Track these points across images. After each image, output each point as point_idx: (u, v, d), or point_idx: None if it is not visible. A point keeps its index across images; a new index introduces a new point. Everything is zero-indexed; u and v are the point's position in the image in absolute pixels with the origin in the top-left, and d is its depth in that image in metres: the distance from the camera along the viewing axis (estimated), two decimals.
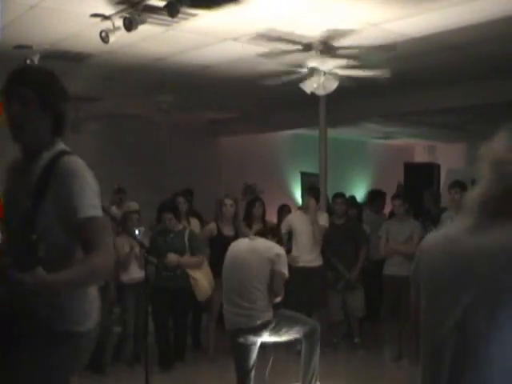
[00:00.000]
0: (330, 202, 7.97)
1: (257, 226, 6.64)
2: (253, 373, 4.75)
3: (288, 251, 6.31)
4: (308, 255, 6.82)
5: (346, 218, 7.45)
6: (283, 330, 4.85)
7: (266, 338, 4.77)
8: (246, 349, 4.70)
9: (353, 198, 10.18)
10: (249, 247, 4.91)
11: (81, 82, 8.20)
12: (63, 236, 2.22)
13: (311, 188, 7.43)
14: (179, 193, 7.42)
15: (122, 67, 7.51)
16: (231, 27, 5.93)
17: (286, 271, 4.83)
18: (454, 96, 8.66)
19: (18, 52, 6.56)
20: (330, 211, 7.84)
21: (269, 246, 4.89)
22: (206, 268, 6.32)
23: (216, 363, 6.43)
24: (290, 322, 4.92)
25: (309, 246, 6.85)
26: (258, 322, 4.66)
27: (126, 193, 8.05)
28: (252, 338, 4.69)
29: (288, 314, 5.08)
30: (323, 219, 7.00)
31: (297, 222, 6.97)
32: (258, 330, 4.67)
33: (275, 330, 4.76)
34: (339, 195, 7.55)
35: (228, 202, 6.82)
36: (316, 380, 5.03)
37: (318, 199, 7.11)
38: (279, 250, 4.92)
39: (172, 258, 6.13)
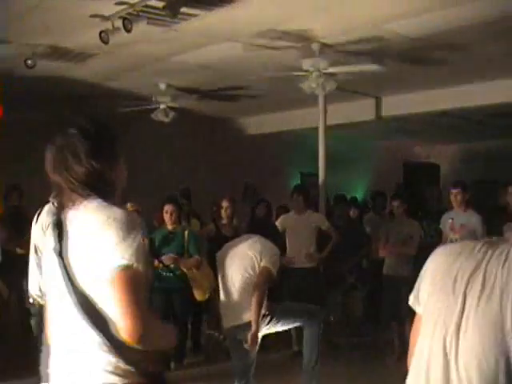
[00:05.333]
0: (331, 203, 7.96)
1: None
2: (252, 370, 4.74)
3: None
4: (302, 256, 6.80)
5: (348, 220, 7.46)
6: (280, 323, 4.85)
7: (265, 331, 4.77)
8: (243, 345, 4.69)
9: (354, 199, 10.21)
10: (234, 246, 4.91)
11: (81, 82, 8.20)
12: None
13: (297, 187, 7.42)
14: (181, 193, 7.41)
15: (122, 67, 7.51)
16: (231, 27, 5.93)
17: (270, 267, 4.67)
18: (454, 96, 8.67)
19: (18, 52, 6.57)
20: (330, 212, 7.84)
21: (253, 241, 4.81)
22: (207, 268, 6.30)
23: (216, 363, 6.43)
24: (286, 314, 4.92)
25: (302, 247, 6.82)
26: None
27: (126, 193, 8.02)
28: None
29: (283, 307, 5.07)
30: (317, 220, 6.97)
31: (290, 222, 6.94)
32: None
33: (272, 323, 4.76)
34: (340, 199, 7.55)
35: (225, 204, 6.83)
36: (317, 370, 5.04)
37: (307, 197, 7.01)
38: (263, 245, 4.78)
39: (169, 258, 6.10)
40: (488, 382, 1.55)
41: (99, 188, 1.93)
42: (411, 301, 1.84)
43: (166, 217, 6.28)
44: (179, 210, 6.40)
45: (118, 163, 2.02)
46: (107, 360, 1.82)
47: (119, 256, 1.79)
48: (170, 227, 6.32)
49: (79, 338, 1.85)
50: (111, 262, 1.78)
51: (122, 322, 1.78)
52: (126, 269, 1.78)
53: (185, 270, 6.19)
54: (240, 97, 9.37)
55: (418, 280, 1.81)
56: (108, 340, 1.81)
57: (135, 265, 1.79)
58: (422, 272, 1.80)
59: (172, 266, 6.09)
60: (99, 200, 1.90)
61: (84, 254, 1.84)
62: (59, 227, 1.93)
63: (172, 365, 6.28)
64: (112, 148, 2.00)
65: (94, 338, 1.82)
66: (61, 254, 1.88)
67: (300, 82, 6.80)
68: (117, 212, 1.86)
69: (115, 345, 1.81)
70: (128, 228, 1.83)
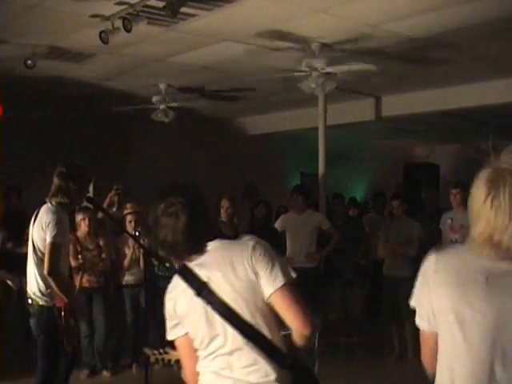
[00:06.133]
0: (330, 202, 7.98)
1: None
2: None
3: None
4: (303, 255, 6.80)
5: (346, 218, 7.46)
6: None
7: None
8: None
9: (354, 199, 10.23)
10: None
11: (81, 82, 8.20)
12: None
13: (297, 187, 7.44)
14: None
15: (122, 67, 7.51)
16: (231, 27, 5.93)
17: None
18: (454, 96, 8.66)
19: (19, 52, 6.57)
20: (329, 212, 7.85)
21: (245, 241, 4.81)
22: None
23: None
24: None
25: (303, 246, 6.82)
26: None
27: (127, 193, 8.02)
28: None
29: None
30: (317, 219, 6.97)
31: (290, 222, 6.94)
32: None
33: None
34: (337, 196, 7.57)
35: (225, 203, 6.83)
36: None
37: (306, 197, 7.00)
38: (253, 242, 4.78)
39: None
40: None
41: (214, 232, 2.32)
42: None
43: None
44: None
45: None
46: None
47: (279, 277, 2.16)
48: None
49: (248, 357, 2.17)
50: (277, 283, 2.15)
51: (302, 325, 2.17)
52: (286, 284, 2.16)
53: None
54: (240, 97, 9.37)
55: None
56: (268, 355, 2.16)
57: (288, 277, 2.18)
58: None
59: (168, 264, 6.07)
60: (219, 240, 2.27)
61: (237, 285, 2.18)
62: (190, 274, 2.22)
63: None
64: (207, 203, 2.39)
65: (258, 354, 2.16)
66: (208, 296, 2.18)
67: (300, 82, 6.80)
68: (250, 243, 2.24)
69: (276, 359, 2.17)
70: (269, 250, 2.24)
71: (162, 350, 3.08)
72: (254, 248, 2.22)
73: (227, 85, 8.49)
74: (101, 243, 6.13)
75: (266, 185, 11.18)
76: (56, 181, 4.16)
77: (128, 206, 6.51)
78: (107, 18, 5.44)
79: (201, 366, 2.26)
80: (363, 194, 13.49)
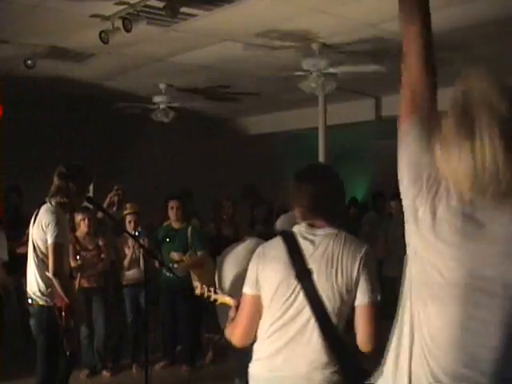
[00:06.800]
0: None
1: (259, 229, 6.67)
2: None
3: None
4: None
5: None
6: None
7: None
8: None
9: (354, 199, 10.24)
10: (233, 248, 4.90)
11: (81, 82, 8.20)
12: None
13: None
14: (182, 193, 7.42)
15: (122, 67, 7.52)
16: (231, 27, 5.93)
17: None
18: None
19: (19, 52, 6.57)
20: None
21: (252, 244, 4.80)
22: (210, 265, 6.21)
23: (215, 364, 6.43)
24: None
25: None
26: None
27: (126, 194, 8.03)
28: None
29: None
30: None
31: (286, 223, 6.92)
32: None
33: None
34: None
35: (226, 203, 6.84)
36: None
37: None
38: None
39: (174, 257, 6.08)
40: None
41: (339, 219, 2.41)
42: None
43: (172, 213, 6.27)
44: (184, 206, 6.39)
45: None
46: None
47: (373, 294, 2.22)
48: (174, 224, 6.30)
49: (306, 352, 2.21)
50: (371, 297, 2.21)
51: (367, 342, 2.21)
52: (375, 302, 2.22)
53: (189, 267, 6.11)
54: (240, 97, 9.38)
55: None
56: (335, 353, 2.20)
57: (378, 297, 2.23)
58: None
59: (176, 265, 6.05)
60: (334, 228, 2.31)
61: (337, 281, 2.20)
62: (297, 250, 2.26)
63: (184, 367, 6.29)
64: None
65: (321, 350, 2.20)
66: (305, 282, 2.19)
67: (300, 82, 6.80)
68: (365, 247, 2.28)
69: (340, 358, 2.21)
70: (376, 266, 2.34)
71: (212, 288, 2.97)
72: (367, 254, 2.27)
73: (227, 85, 8.50)
74: (100, 243, 6.13)
75: (266, 185, 11.17)
76: (56, 181, 4.16)
77: (128, 206, 6.51)
78: (107, 18, 5.44)
79: (256, 350, 2.31)
80: (363, 194, 13.48)
